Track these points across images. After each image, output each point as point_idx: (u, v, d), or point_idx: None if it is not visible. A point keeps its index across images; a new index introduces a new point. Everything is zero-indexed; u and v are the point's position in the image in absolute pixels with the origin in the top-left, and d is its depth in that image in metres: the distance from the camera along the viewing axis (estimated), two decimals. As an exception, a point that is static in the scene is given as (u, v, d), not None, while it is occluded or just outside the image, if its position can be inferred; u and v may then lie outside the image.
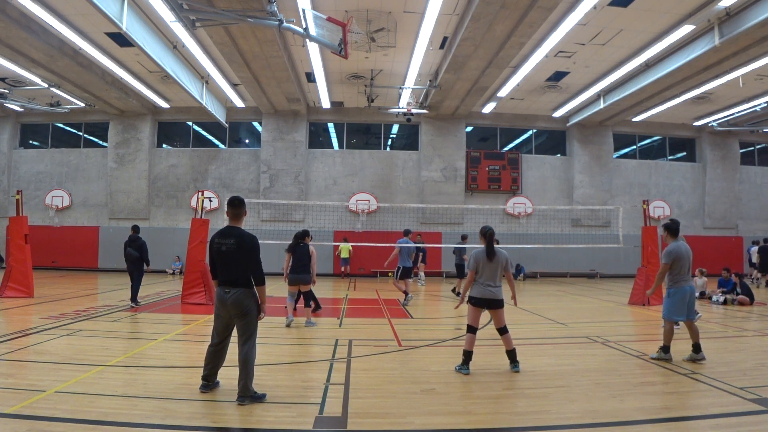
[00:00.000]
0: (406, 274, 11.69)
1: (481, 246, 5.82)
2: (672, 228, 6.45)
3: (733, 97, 18.22)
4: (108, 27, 12.44)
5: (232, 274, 4.55)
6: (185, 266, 11.64)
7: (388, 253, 12.54)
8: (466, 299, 5.82)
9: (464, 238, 13.61)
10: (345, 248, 19.50)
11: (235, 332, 4.66)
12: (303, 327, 8.33)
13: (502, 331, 5.72)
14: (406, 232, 12.11)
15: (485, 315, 5.91)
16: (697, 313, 9.14)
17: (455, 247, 13.56)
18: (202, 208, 12.37)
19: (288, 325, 8.31)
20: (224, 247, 4.58)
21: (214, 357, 4.70)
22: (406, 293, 11.75)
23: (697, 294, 10.20)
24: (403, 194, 21.03)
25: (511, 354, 5.71)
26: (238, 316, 4.55)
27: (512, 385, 5.21)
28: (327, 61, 15.43)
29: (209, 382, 4.71)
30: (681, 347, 6.71)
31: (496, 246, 5.82)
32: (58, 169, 21.16)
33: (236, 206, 4.78)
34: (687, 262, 6.26)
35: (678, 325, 6.95)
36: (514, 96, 18.91)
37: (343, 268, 20.04)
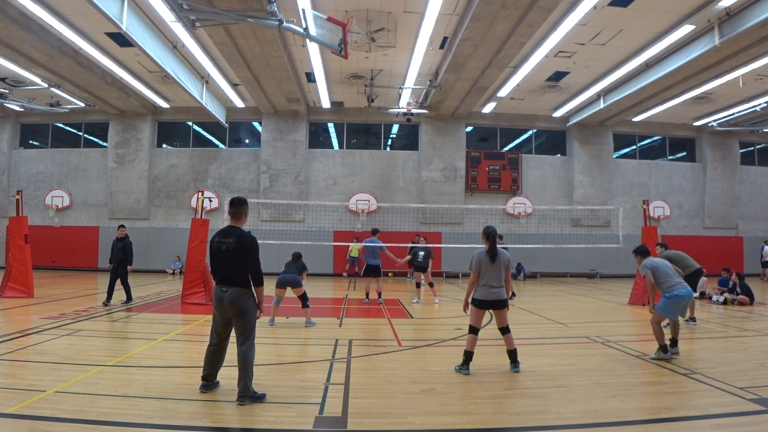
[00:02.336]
0: (368, 272, 11.51)
1: (483, 246, 5.77)
2: (641, 251, 6.92)
3: (733, 97, 18.22)
4: (108, 27, 12.45)
5: (230, 273, 4.55)
6: (185, 266, 11.64)
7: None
8: (469, 300, 5.81)
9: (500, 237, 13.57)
10: (355, 248, 19.48)
11: (234, 332, 4.66)
12: (303, 327, 8.34)
13: (504, 330, 5.71)
14: (374, 232, 11.97)
15: (485, 315, 5.90)
16: (694, 321, 9.15)
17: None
18: (202, 208, 12.37)
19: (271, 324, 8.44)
20: (224, 246, 4.59)
21: (214, 357, 4.70)
22: (380, 294, 11.61)
23: (696, 294, 10.22)
24: (403, 194, 21.03)
25: (512, 354, 5.71)
26: (235, 316, 4.54)
27: (512, 385, 5.21)
28: (327, 61, 15.42)
29: (209, 382, 4.71)
30: (684, 347, 6.71)
31: (498, 246, 5.81)
32: (58, 169, 21.16)
33: (236, 206, 4.80)
34: (669, 269, 6.51)
35: (667, 324, 6.94)
36: (514, 96, 18.90)
37: (348, 267, 19.98)
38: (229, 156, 21.35)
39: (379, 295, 11.71)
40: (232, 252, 4.55)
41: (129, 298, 10.89)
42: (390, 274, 19.77)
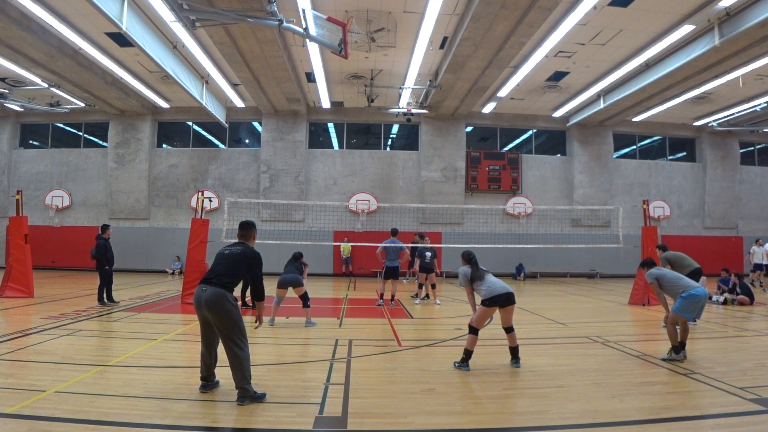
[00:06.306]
0: (389, 274, 11.27)
1: (466, 267, 6.01)
2: (646, 263, 7.21)
3: (733, 97, 18.23)
4: (108, 27, 12.45)
5: (221, 272, 4.54)
6: (185, 266, 11.64)
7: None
8: (476, 308, 5.90)
9: (422, 237, 13.06)
10: (346, 248, 19.64)
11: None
12: (303, 327, 8.34)
13: (509, 330, 5.83)
14: (394, 232, 11.82)
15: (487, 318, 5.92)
16: (694, 321, 9.16)
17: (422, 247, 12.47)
18: (202, 208, 12.37)
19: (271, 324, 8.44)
20: (227, 251, 4.73)
21: (206, 357, 4.68)
22: (381, 295, 11.36)
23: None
24: (403, 194, 21.03)
25: (514, 350, 5.84)
26: (214, 322, 4.44)
27: (512, 385, 5.21)
28: (327, 61, 15.43)
29: (209, 382, 4.70)
30: (691, 347, 6.70)
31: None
32: (58, 169, 21.16)
33: (245, 228, 4.96)
34: (675, 274, 6.63)
35: (678, 324, 6.96)
36: (514, 96, 18.90)
37: (344, 267, 20.23)
38: (229, 156, 21.35)
39: (386, 296, 11.57)
40: (236, 256, 4.65)
41: (104, 300, 10.79)
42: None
